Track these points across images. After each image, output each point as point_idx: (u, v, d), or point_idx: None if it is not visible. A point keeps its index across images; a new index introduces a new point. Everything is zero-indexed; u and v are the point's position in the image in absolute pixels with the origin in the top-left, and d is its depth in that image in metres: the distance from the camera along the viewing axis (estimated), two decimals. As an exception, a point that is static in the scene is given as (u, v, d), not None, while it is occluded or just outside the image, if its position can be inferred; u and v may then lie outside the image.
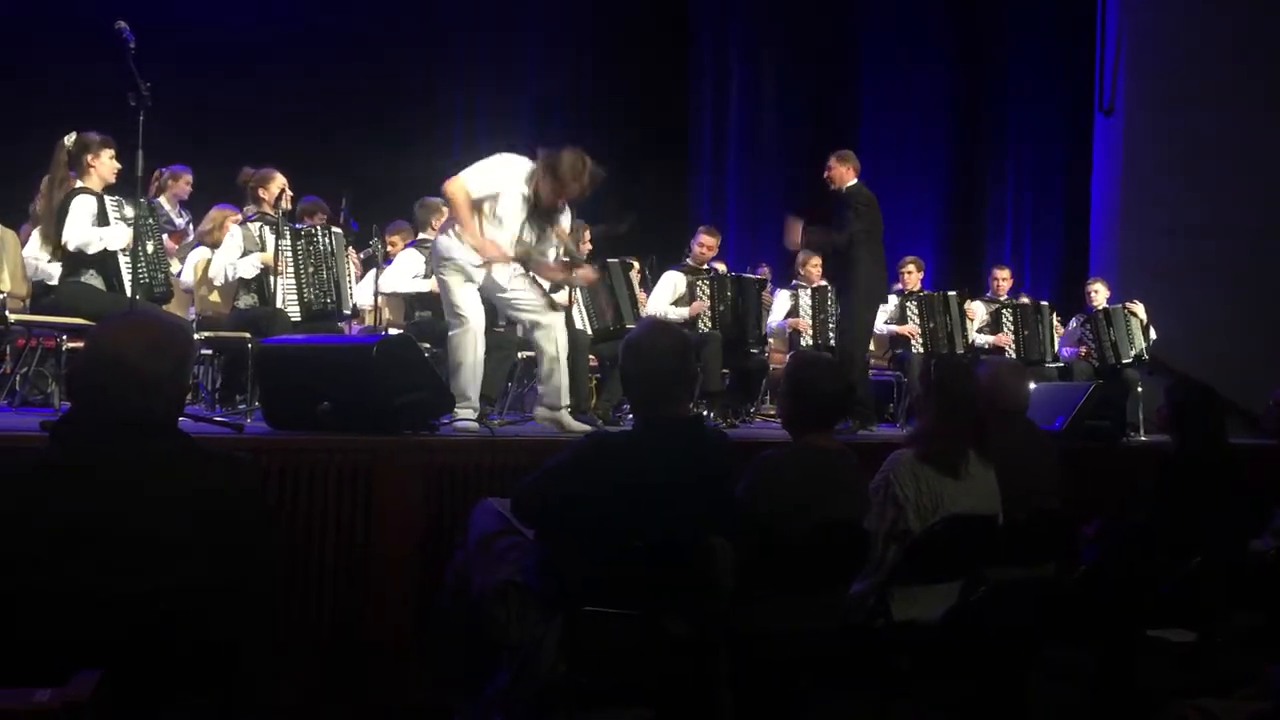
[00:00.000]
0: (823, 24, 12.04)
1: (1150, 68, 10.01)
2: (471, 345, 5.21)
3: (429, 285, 6.49)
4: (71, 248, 5.24)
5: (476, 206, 5.18)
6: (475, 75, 11.16)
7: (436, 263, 5.35)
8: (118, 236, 5.28)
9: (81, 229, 5.25)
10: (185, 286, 6.46)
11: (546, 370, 5.41)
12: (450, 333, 5.28)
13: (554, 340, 5.39)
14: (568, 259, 5.64)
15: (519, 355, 6.84)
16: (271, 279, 5.94)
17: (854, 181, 6.86)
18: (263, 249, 6.04)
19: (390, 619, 4.03)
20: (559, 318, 5.51)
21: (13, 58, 8.89)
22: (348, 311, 6.42)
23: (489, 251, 5.15)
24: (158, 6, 8.34)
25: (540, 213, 5.24)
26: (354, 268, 6.83)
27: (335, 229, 6.30)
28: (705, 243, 7.78)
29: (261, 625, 2.37)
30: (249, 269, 6.01)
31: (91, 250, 5.26)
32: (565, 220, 5.46)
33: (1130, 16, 10.09)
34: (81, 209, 5.27)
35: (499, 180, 5.19)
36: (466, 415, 5.16)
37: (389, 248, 7.31)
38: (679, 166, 11.94)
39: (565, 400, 5.43)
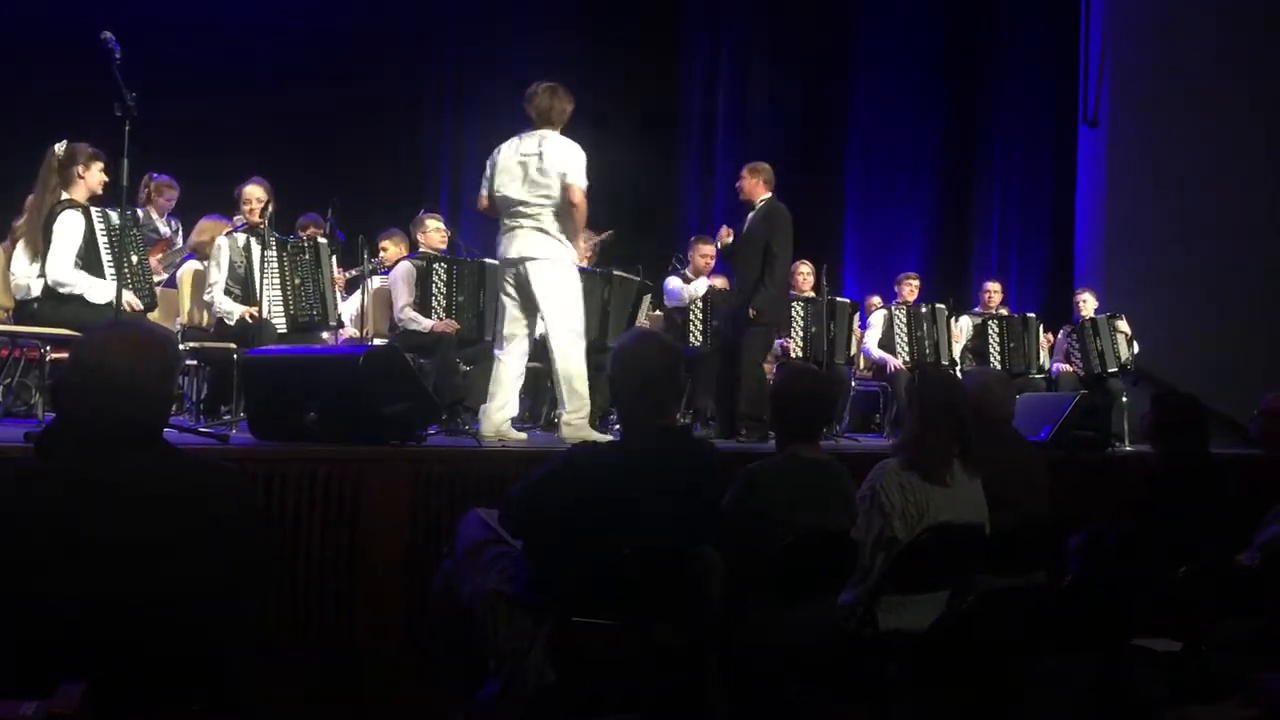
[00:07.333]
0: (813, 33, 12.06)
1: (1134, 79, 10.05)
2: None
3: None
4: (49, 280, 5.16)
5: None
6: (470, 85, 11.15)
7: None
8: (100, 291, 5.17)
9: (66, 266, 5.16)
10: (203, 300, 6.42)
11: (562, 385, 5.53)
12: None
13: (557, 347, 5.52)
14: None
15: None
16: (256, 289, 5.91)
17: (768, 195, 6.68)
18: (248, 260, 6.02)
19: (379, 628, 4.02)
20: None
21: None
22: (334, 323, 6.41)
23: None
24: (145, 15, 8.30)
25: None
26: (338, 282, 6.81)
27: (321, 239, 6.28)
28: (705, 253, 7.75)
29: (251, 632, 2.36)
30: (233, 313, 5.97)
31: (64, 291, 5.17)
32: None
33: (1114, 28, 10.13)
34: (68, 233, 5.19)
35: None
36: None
37: (381, 252, 7.31)
38: (667, 168, 11.93)
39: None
